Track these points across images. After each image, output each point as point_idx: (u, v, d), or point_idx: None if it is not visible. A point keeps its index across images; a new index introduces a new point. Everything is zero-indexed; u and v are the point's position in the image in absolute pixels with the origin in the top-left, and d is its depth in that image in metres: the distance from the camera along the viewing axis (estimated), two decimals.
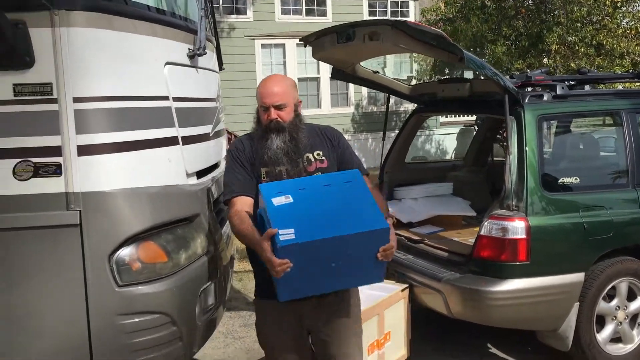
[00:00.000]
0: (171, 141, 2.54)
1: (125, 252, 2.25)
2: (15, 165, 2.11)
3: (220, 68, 3.75)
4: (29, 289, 2.20)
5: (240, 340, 4.22)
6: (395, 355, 3.65)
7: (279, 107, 2.41)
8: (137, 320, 2.25)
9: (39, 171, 2.12)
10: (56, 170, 2.13)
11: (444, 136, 14.86)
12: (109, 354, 2.25)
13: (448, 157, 14.20)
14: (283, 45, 13.03)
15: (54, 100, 2.11)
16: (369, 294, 3.76)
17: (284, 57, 13.15)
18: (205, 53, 2.85)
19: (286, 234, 2.09)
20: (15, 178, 2.11)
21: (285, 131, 2.41)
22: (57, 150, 2.13)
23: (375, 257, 2.19)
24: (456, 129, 14.14)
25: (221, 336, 4.28)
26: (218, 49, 3.72)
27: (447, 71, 12.14)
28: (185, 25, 2.79)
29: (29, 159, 2.12)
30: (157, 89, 2.48)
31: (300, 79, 13.22)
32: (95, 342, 2.22)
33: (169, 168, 2.52)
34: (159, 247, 2.37)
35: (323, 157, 2.48)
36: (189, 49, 2.77)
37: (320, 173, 2.42)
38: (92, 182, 2.18)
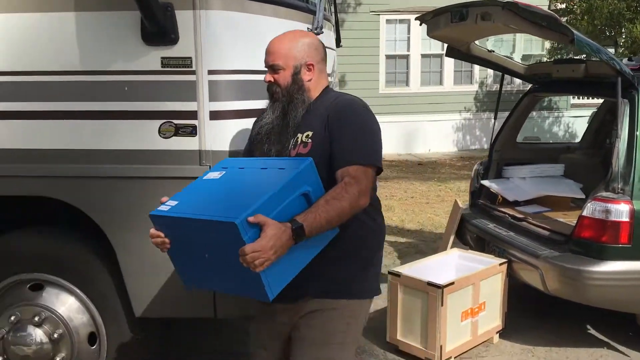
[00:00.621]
0: None
1: None
2: (161, 125, 2.54)
3: (338, 45, 4.03)
4: None
5: None
6: (489, 326, 3.81)
7: (273, 69, 2.06)
8: None
9: (178, 131, 2.54)
10: (192, 131, 2.54)
11: (575, 119, 14.19)
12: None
13: (577, 140, 13.57)
14: (408, 21, 13.04)
15: (193, 72, 2.51)
16: (465, 265, 3.95)
17: (408, 32, 13.18)
18: (322, 32, 3.14)
19: (166, 205, 1.95)
20: (160, 136, 2.55)
21: (279, 101, 2.06)
22: (193, 115, 2.53)
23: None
24: (588, 111, 13.45)
25: None
26: (337, 26, 4.00)
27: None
28: (305, 7, 3.09)
29: (172, 120, 2.54)
30: None
31: (423, 56, 13.22)
32: None
33: None
34: None
35: (309, 140, 1.99)
36: (307, 28, 3.07)
37: None
38: (220, 142, 2.56)
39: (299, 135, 2.02)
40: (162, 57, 2.50)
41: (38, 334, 2.74)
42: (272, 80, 2.07)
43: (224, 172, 2.03)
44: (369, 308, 2.20)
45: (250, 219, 1.69)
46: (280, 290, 1.82)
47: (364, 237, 2.08)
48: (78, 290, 2.77)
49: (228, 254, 1.74)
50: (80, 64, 2.52)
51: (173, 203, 1.95)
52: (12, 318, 2.75)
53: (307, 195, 1.85)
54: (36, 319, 2.73)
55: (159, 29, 2.44)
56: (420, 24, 4.30)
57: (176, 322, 2.97)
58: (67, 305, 2.78)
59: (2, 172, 2.62)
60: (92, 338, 2.81)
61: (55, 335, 2.74)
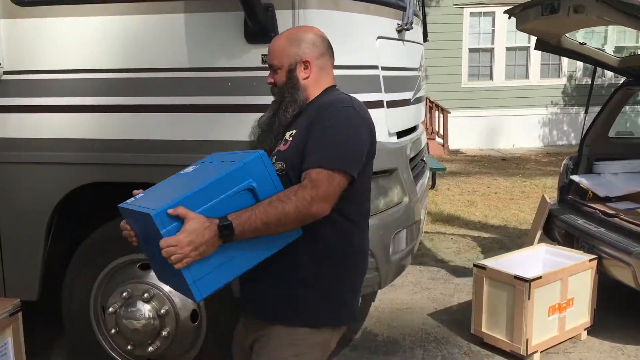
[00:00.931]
0: (377, 104, 2.97)
1: None
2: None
3: (425, 39, 4.09)
4: None
5: (427, 291, 4.63)
6: (577, 322, 3.76)
7: (272, 69, 1.94)
8: None
9: None
10: None
11: None
12: None
13: None
14: (493, 14, 12.80)
15: None
16: (553, 260, 3.92)
17: (493, 25, 12.93)
18: (412, 28, 3.22)
19: (134, 198, 1.87)
20: None
21: (276, 101, 1.95)
22: None
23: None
24: None
25: (410, 285, 4.73)
26: (424, 21, 4.06)
27: None
28: (395, 3, 3.18)
29: None
30: (369, 60, 2.92)
31: (508, 48, 12.93)
32: None
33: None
34: None
35: (290, 138, 1.84)
36: (398, 24, 3.16)
37: (275, 157, 1.86)
38: None
39: (286, 133, 1.87)
40: (262, 55, 2.66)
41: (146, 310, 2.98)
42: (272, 81, 1.95)
43: (198, 166, 1.92)
44: (336, 337, 1.91)
45: (170, 211, 1.58)
46: (212, 292, 1.67)
47: (330, 255, 1.82)
48: None
49: (158, 247, 1.61)
50: (188, 62, 2.73)
51: (139, 196, 1.87)
52: (124, 294, 3.01)
53: (253, 191, 1.68)
54: (145, 295, 2.98)
55: (260, 28, 2.60)
56: (510, 17, 4.27)
57: None
58: None
59: (116, 160, 2.88)
60: (194, 316, 3.03)
61: (162, 311, 2.98)
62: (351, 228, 1.86)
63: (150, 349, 3.01)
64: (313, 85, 1.92)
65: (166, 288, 2.99)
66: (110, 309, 3.02)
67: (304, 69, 1.91)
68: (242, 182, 1.66)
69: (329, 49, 1.99)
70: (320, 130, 1.76)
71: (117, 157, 2.87)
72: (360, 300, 2.01)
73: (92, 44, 2.81)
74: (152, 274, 3.02)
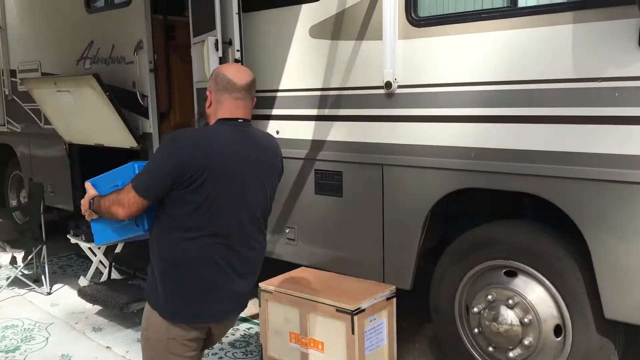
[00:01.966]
0: None
1: None
2: None
3: None
4: None
5: None
6: None
7: None
8: None
9: None
10: None
11: None
12: None
13: None
14: None
15: None
16: None
17: None
18: None
19: None
20: None
21: None
22: None
23: None
24: None
25: None
26: None
27: None
28: None
29: None
30: None
31: None
32: None
33: None
34: None
35: None
36: None
37: None
38: None
39: None
40: None
41: (510, 316, 3.05)
42: None
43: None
44: (173, 331, 2.24)
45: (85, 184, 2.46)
46: (104, 243, 2.78)
47: (166, 258, 2.23)
48: (548, 282, 2.96)
49: None
50: (573, 72, 2.69)
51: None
52: (489, 297, 3.13)
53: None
54: (509, 302, 3.04)
55: None
56: None
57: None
58: (536, 294, 3.01)
59: (495, 168, 3.00)
60: (557, 330, 2.97)
61: (525, 320, 3.00)
62: (178, 239, 2.19)
63: (510, 354, 3.07)
64: (212, 114, 2.31)
65: (530, 297, 3.00)
66: (475, 309, 3.18)
67: (207, 100, 2.32)
68: (116, 181, 2.37)
69: (228, 85, 2.26)
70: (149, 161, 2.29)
71: (496, 166, 2.99)
72: (219, 307, 2.28)
73: (479, 58, 3.00)
74: (517, 281, 3.07)
